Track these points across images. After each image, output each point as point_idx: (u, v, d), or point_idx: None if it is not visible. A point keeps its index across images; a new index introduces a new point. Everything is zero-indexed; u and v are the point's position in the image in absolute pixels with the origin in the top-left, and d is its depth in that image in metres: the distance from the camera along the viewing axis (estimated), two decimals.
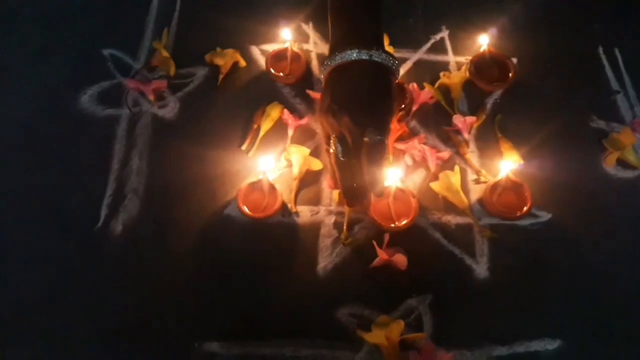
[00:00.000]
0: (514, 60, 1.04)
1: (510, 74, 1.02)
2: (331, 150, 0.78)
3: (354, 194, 0.78)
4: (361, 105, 0.75)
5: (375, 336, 0.73)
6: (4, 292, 0.79)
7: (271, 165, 0.87)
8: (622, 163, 0.94)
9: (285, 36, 1.01)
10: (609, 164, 0.94)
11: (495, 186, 0.88)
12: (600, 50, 1.09)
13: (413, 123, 0.97)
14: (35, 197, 0.87)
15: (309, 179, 0.89)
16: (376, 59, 0.76)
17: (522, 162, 0.91)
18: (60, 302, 0.78)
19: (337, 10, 0.84)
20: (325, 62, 0.80)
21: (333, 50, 0.79)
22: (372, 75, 0.77)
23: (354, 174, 0.76)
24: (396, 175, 0.85)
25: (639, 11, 1.16)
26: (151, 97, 0.96)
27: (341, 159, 0.76)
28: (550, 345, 0.76)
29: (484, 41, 1.03)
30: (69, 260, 0.81)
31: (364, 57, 0.76)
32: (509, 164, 0.87)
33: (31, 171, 0.89)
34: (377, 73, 0.77)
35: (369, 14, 0.83)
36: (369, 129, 0.72)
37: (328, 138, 0.80)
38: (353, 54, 0.76)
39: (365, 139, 0.72)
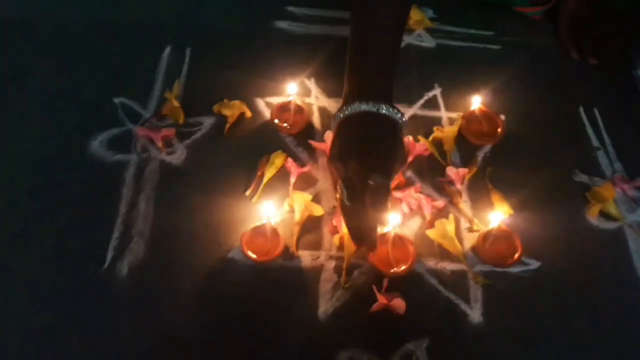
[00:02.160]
0: (502, 117, 1.11)
1: (499, 130, 1.09)
2: (337, 196, 0.83)
3: (360, 235, 0.82)
4: (367, 150, 0.81)
5: None
6: (11, 331, 0.79)
7: (274, 211, 0.91)
8: (604, 215, 1.00)
9: (291, 90, 1.07)
10: (592, 216, 0.99)
11: (487, 235, 0.92)
12: (581, 109, 1.18)
13: (409, 173, 1.02)
14: (43, 238, 0.88)
15: (310, 225, 0.93)
16: (383, 112, 0.83)
17: (512, 212, 0.96)
18: (65, 343, 0.78)
19: (352, 67, 0.94)
20: (336, 114, 0.88)
21: (344, 104, 0.87)
22: (378, 125, 0.85)
23: (359, 217, 0.80)
24: (394, 222, 0.90)
25: (617, 75, 1.26)
26: (160, 144, 1.01)
27: (347, 203, 0.80)
28: None
29: (476, 101, 1.10)
30: (75, 300, 0.82)
31: (372, 110, 0.83)
32: (499, 215, 0.92)
33: (41, 212, 0.91)
34: (383, 123, 0.85)
35: (382, 70, 0.92)
36: (374, 172, 0.78)
37: (336, 184, 0.85)
38: (361, 106, 0.84)
39: (370, 182, 0.77)
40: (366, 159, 0.80)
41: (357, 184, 0.80)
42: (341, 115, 0.87)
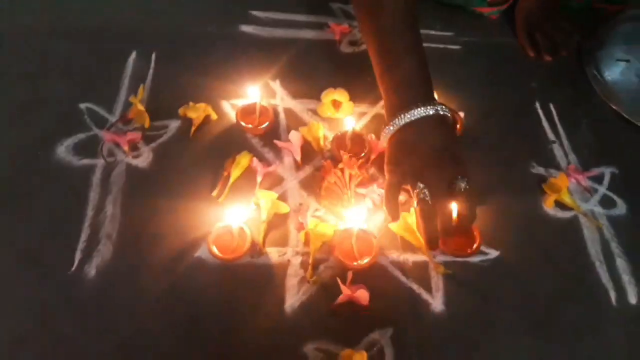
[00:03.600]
0: (461, 114, 1.15)
1: (458, 126, 1.12)
2: (402, 199, 0.93)
3: (435, 235, 0.87)
4: (445, 154, 0.88)
5: None
6: None
7: (239, 209, 0.93)
8: (559, 205, 1.04)
9: (253, 92, 1.09)
10: (548, 206, 1.04)
11: None
12: (537, 105, 1.22)
13: (372, 170, 1.05)
14: (11, 241, 0.89)
15: (276, 222, 0.95)
16: (442, 112, 0.90)
17: None
18: (34, 345, 0.79)
19: (391, 77, 0.96)
20: (392, 122, 0.91)
21: (395, 112, 0.91)
22: (444, 127, 0.90)
23: (440, 217, 0.86)
24: (359, 218, 0.92)
25: (570, 72, 1.31)
26: (126, 148, 1.02)
27: (426, 206, 0.86)
28: None
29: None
30: (43, 302, 0.83)
31: (431, 113, 0.88)
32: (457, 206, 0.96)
33: (8, 217, 0.92)
34: (447, 124, 0.91)
35: (422, 69, 0.96)
36: (458, 177, 0.85)
37: (394, 188, 0.91)
38: (421, 111, 0.89)
39: (460, 186, 0.85)
40: (448, 164, 0.86)
41: (439, 187, 0.85)
42: (399, 122, 0.89)
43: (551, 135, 1.17)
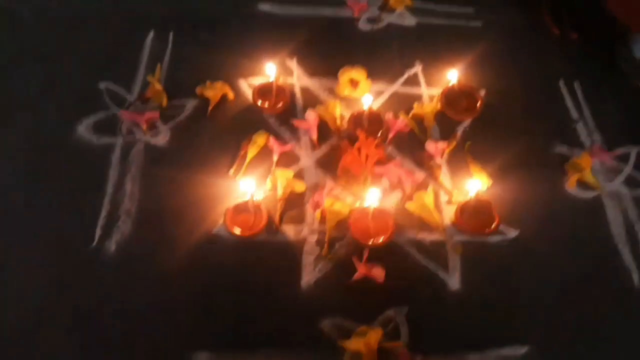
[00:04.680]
0: (482, 91, 1.13)
1: (478, 104, 1.10)
2: None
3: None
4: None
5: (356, 344, 0.78)
6: (3, 305, 0.82)
7: (256, 187, 0.93)
8: (582, 185, 1.02)
9: (270, 71, 1.08)
10: (570, 186, 1.01)
11: (465, 206, 0.94)
12: (561, 83, 1.19)
13: (390, 149, 1.04)
14: (35, 218, 0.91)
15: (293, 201, 0.95)
16: None
17: (490, 183, 0.98)
18: (56, 317, 0.81)
19: None
20: None
21: None
22: None
23: None
24: (375, 196, 0.92)
25: (597, 49, 1.27)
26: (144, 127, 1.03)
27: None
28: (519, 351, 0.82)
29: (452, 76, 1.12)
30: (65, 276, 0.85)
31: None
32: (476, 184, 0.94)
33: (32, 195, 0.94)
34: None
35: None
36: None
37: None
38: None
39: None
40: None
41: None
42: None
43: (575, 114, 1.14)
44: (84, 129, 1.03)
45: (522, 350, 0.82)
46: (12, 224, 0.91)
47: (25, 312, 0.82)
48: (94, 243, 0.88)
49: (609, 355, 0.84)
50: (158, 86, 1.05)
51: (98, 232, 0.89)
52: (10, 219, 0.91)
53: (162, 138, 1.03)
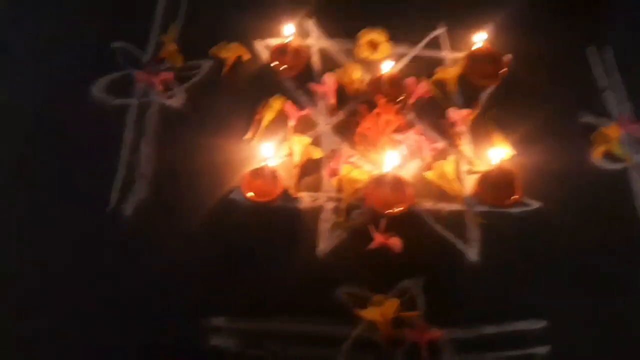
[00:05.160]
0: (509, 56, 1.08)
1: (503, 70, 1.06)
2: None
3: None
4: None
5: (371, 313, 0.78)
6: (24, 268, 0.83)
7: (273, 152, 0.91)
8: (609, 156, 0.98)
9: (288, 31, 1.05)
10: (597, 156, 0.98)
11: (487, 176, 0.92)
12: (591, 49, 1.13)
13: (410, 115, 1.01)
14: (49, 181, 0.91)
15: (309, 167, 0.93)
16: None
17: (514, 153, 0.95)
18: (74, 279, 0.82)
19: None
20: None
21: None
22: None
23: None
24: (394, 161, 0.89)
25: (630, 11, 1.20)
26: (159, 88, 1.00)
27: None
28: (536, 325, 0.81)
29: (480, 38, 1.07)
30: (82, 239, 0.85)
31: None
32: (499, 153, 0.91)
33: (46, 157, 0.93)
34: None
35: None
36: None
37: None
38: None
39: None
40: None
41: None
42: None
43: (603, 82, 1.09)
44: (98, 89, 1.01)
45: (539, 324, 0.81)
46: (26, 188, 0.90)
47: (44, 275, 0.83)
48: (111, 206, 0.88)
49: (627, 332, 0.83)
50: (172, 46, 1.03)
51: (114, 195, 0.89)
52: (24, 182, 0.91)
53: (177, 99, 1.01)
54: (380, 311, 0.77)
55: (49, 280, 0.82)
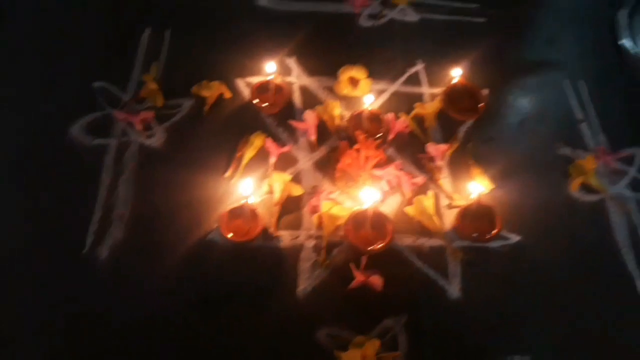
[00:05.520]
0: (486, 91, 1.10)
1: (481, 105, 1.08)
2: None
3: None
4: None
5: (352, 356, 0.76)
6: None
7: (252, 190, 0.91)
8: (586, 187, 0.99)
9: (270, 69, 1.06)
10: (574, 189, 0.99)
11: (466, 210, 0.92)
12: (566, 82, 1.16)
13: (390, 150, 1.02)
14: (24, 222, 0.90)
15: (290, 205, 0.93)
16: None
17: (493, 187, 0.96)
18: (48, 324, 0.80)
19: None
20: None
21: None
22: None
23: None
24: (373, 199, 0.90)
25: (602, 46, 1.24)
26: (139, 127, 1.00)
27: None
28: None
29: (456, 73, 1.09)
30: (57, 283, 0.84)
31: None
32: (478, 187, 0.92)
33: (21, 197, 0.92)
34: None
35: None
36: None
37: None
38: None
39: None
40: None
41: None
42: None
43: (579, 114, 1.11)
44: (77, 129, 1.01)
45: (524, 359, 0.80)
46: (1, 227, 0.89)
47: (16, 319, 0.80)
48: (86, 249, 0.87)
49: None
50: (153, 85, 1.03)
51: (90, 237, 0.88)
52: None
53: (157, 139, 1.01)
54: (360, 353, 0.76)
55: (22, 324, 0.80)
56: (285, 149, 0.99)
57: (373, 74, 1.11)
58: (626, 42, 1.22)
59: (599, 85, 1.16)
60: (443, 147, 1.00)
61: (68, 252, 0.86)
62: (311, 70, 1.13)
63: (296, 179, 0.96)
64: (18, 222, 0.90)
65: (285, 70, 1.12)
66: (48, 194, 0.93)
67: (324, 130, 1.03)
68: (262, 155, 0.99)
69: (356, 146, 0.98)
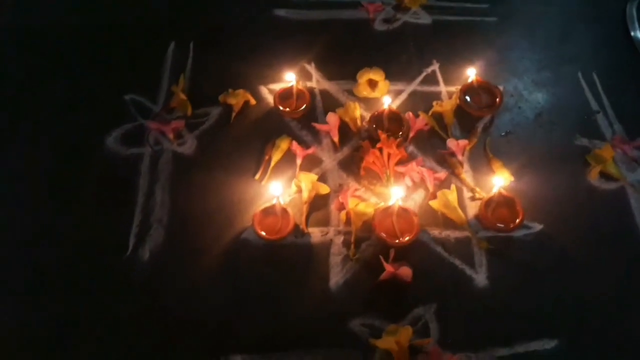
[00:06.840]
0: (501, 87, 1.13)
1: (497, 100, 1.11)
2: None
3: None
4: None
5: (387, 342, 0.80)
6: (42, 316, 0.86)
7: (282, 191, 0.95)
8: (605, 176, 1.02)
9: (290, 77, 1.10)
10: (593, 177, 1.02)
11: (489, 202, 0.95)
12: (580, 74, 1.19)
13: (411, 148, 1.06)
14: (67, 230, 0.94)
15: (318, 203, 0.97)
16: None
17: (512, 179, 0.99)
18: (91, 327, 0.85)
19: None
20: None
21: None
22: None
23: None
24: (398, 196, 0.93)
25: (614, 37, 1.26)
26: (171, 136, 1.06)
27: None
28: (548, 344, 0.83)
29: (471, 73, 1.12)
30: (100, 286, 0.88)
31: None
32: (500, 180, 0.95)
33: (66, 207, 0.97)
34: None
35: None
36: None
37: None
38: None
39: None
40: None
41: None
42: None
43: (595, 105, 1.14)
44: (112, 140, 1.06)
45: (550, 343, 0.83)
46: (43, 238, 0.94)
47: (58, 323, 0.85)
48: (128, 252, 0.91)
49: (637, 348, 0.84)
50: (182, 96, 1.08)
51: (132, 241, 0.92)
52: (41, 233, 0.94)
53: (188, 146, 1.05)
54: (395, 340, 0.79)
55: (67, 326, 0.85)
56: (310, 150, 1.03)
57: (390, 76, 1.15)
58: (638, 33, 1.24)
59: (613, 77, 1.18)
60: (463, 142, 1.04)
61: (112, 256, 0.91)
62: (330, 74, 1.18)
63: (322, 179, 1.00)
64: (62, 231, 0.94)
65: (305, 76, 1.17)
66: (89, 203, 0.98)
67: (346, 131, 1.07)
68: (288, 157, 1.03)
69: (378, 145, 1.02)
